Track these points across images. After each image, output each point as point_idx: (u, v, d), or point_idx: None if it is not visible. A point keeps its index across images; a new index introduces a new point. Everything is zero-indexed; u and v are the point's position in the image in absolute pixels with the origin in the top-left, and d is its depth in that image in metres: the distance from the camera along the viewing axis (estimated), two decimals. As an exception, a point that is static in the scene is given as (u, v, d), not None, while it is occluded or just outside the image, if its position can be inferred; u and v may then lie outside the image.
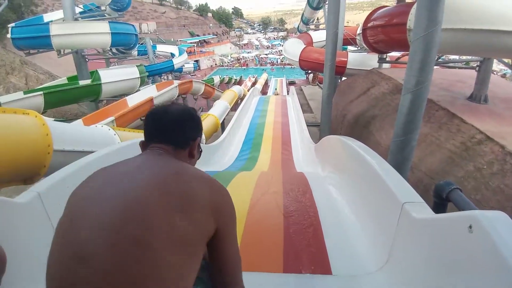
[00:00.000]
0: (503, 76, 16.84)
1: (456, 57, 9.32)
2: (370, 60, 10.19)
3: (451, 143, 5.17)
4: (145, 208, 0.71)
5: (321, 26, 19.25)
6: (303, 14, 21.11)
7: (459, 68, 8.11)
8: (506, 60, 6.56)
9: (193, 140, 1.04)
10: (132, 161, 0.92)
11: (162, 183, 0.79)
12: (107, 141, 4.33)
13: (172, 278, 0.66)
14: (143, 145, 1.03)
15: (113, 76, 10.64)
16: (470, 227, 0.83)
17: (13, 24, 10.85)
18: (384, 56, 8.86)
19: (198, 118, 1.07)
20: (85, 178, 0.93)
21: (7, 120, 2.98)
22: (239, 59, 55.60)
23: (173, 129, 0.99)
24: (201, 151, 1.09)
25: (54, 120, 3.24)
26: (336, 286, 1.29)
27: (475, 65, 6.27)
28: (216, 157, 5.44)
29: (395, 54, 9.59)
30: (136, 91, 11.38)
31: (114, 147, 2.25)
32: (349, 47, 14.69)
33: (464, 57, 8.96)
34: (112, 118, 7.45)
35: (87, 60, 11.58)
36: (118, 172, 0.86)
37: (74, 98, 9.86)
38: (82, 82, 10.04)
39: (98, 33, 10.54)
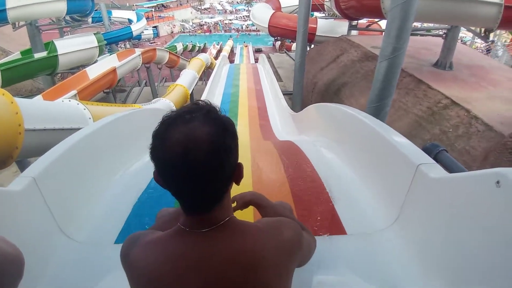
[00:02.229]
0: (464, 43, 17.80)
1: (418, 24, 9.60)
2: (339, 27, 10.23)
3: (418, 108, 5.47)
4: None
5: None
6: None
7: (426, 35, 8.40)
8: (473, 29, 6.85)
9: (235, 169, 0.71)
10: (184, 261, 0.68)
11: None
12: (78, 117, 4.07)
13: None
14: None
15: (70, 46, 9.90)
16: (498, 182, 0.91)
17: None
18: (354, 23, 8.90)
19: (233, 135, 0.70)
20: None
21: (-27, 101, 2.70)
22: (201, 25, 53.15)
23: (207, 185, 0.66)
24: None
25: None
26: (352, 244, 1.38)
27: (442, 32, 6.52)
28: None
29: (364, 21, 9.67)
30: (94, 62, 10.65)
31: (103, 121, 2.12)
32: (315, 13, 14.54)
33: (426, 25, 9.27)
34: (74, 92, 6.96)
35: (41, 31, 10.58)
36: None
37: (31, 72, 9.28)
38: (37, 55, 9.36)
39: (54, 0, 9.68)
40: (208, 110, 0.68)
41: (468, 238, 1.03)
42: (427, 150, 1.92)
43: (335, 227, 1.52)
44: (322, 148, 2.53)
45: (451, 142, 4.38)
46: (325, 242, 1.36)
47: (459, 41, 7.62)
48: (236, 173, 0.72)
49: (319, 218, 1.60)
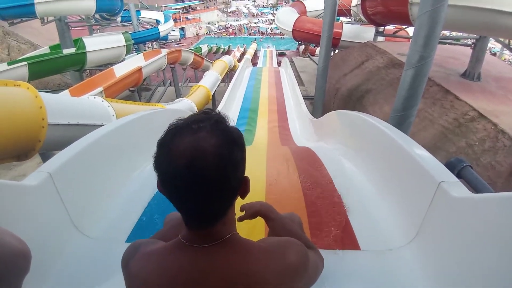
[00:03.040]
0: (493, 54, 17.10)
1: (447, 33, 9.28)
2: (365, 32, 10.04)
3: (444, 119, 5.27)
4: None
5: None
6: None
7: (454, 44, 8.12)
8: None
9: (241, 183, 0.69)
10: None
11: None
12: (102, 114, 4.17)
13: None
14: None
15: (98, 44, 10.13)
16: None
17: (-4, -5, 10.17)
18: (381, 29, 8.71)
19: (240, 147, 0.67)
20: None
21: (-1, 93, 2.80)
22: (227, 28, 53.79)
23: (211, 199, 0.63)
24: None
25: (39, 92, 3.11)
26: (366, 261, 1.32)
27: (470, 42, 6.29)
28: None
29: (390, 27, 9.45)
30: (122, 61, 10.95)
31: (124, 119, 2.17)
32: (342, 18, 14.38)
33: (454, 33, 8.94)
34: (100, 88, 7.16)
35: (70, 27, 10.97)
36: None
37: (59, 67, 9.45)
38: (66, 51, 9.57)
39: (83, -2, 10.01)
40: (216, 120, 0.66)
41: (489, 263, 0.96)
42: (451, 164, 1.84)
43: (348, 241, 1.47)
44: (340, 156, 2.47)
45: (477, 156, 4.20)
46: (337, 257, 1.31)
47: (488, 51, 7.30)
48: (242, 187, 0.69)
49: (332, 230, 1.55)
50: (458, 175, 1.81)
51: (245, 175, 0.70)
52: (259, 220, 1.05)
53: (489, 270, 0.96)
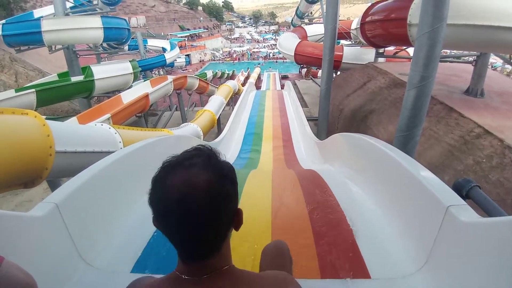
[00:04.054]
0: (494, 69, 17.20)
1: (447, 51, 9.39)
2: (365, 54, 10.21)
3: (450, 137, 5.23)
4: None
5: (314, 20, 19.21)
6: (298, 8, 21.07)
7: (454, 62, 8.19)
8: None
9: (234, 215, 0.70)
10: None
11: None
12: (109, 141, 4.22)
13: None
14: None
15: (106, 72, 10.36)
16: None
17: (3, 21, 10.52)
18: (381, 51, 8.86)
19: (232, 181, 0.70)
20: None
21: (6, 121, 2.84)
22: (231, 53, 55.23)
23: (204, 234, 0.63)
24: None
25: (46, 118, 3.09)
26: None
27: (472, 59, 6.34)
28: (218, 155, 5.37)
29: (391, 48, 9.60)
30: (129, 87, 11.19)
31: (129, 148, 2.19)
32: (342, 41, 14.66)
33: (454, 51, 9.05)
34: (108, 115, 7.28)
35: (78, 56, 11.30)
36: None
37: (67, 95, 9.60)
38: (74, 79, 9.76)
39: (90, 28, 10.25)
40: (208, 156, 0.69)
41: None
42: (459, 185, 1.81)
43: (358, 269, 1.42)
44: (347, 180, 2.44)
45: (485, 174, 4.13)
46: (347, 286, 1.27)
47: (490, 67, 7.33)
48: (235, 219, 0.71)
49: (341, 258, 1.51)
50: (467, 196, 1.78)
51: (239, 207, 0.71)
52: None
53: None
